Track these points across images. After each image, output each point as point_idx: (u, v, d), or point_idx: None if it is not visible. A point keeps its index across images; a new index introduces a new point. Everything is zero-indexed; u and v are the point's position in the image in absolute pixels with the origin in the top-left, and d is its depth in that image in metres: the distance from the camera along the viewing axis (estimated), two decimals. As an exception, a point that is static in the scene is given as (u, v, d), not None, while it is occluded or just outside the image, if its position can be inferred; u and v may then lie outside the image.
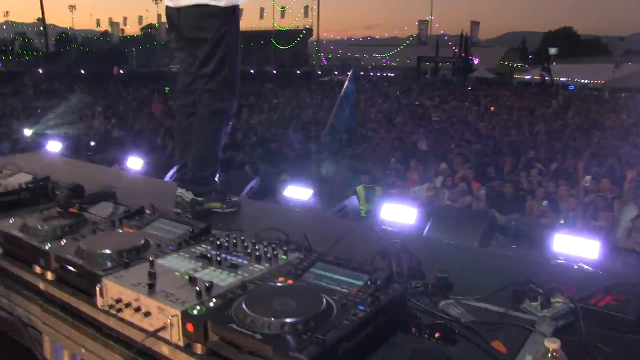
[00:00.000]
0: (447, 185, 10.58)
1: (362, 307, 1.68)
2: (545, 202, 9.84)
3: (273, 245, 2.24)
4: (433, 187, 10.74)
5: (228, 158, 12.86)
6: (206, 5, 3.28)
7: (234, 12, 3.40)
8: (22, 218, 2.66)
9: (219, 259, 2.14)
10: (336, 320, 1.62)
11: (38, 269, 2.37)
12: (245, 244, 2.27)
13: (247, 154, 12.80)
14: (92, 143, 12.88)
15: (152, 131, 15.12)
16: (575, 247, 6.65)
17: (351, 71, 16.11)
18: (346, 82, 15.74)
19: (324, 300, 1.70)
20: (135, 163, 10.86)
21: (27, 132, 14.61)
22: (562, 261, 6.68)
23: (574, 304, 1.89)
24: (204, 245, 2.31)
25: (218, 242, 2.31)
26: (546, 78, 58.81)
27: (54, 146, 13.16)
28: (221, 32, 3.33)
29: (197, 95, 3.48)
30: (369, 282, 1.84)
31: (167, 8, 3.48)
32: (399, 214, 7.55)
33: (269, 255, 2.16)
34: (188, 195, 3.45)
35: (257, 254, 2.16)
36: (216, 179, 3.63)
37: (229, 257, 2.16)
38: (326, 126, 15.20)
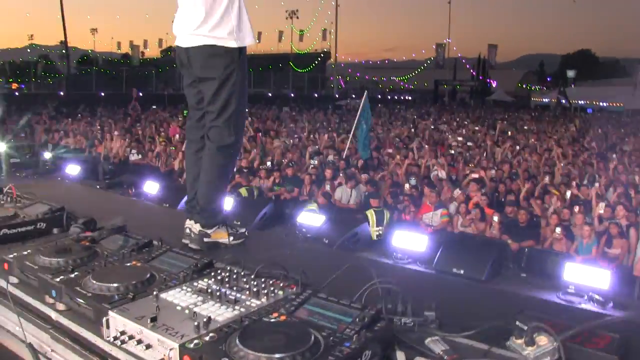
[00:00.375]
0: (461, 212, 10.63)
1: (347, 344, 1.78)
2: (558, 230, 9.82)
3: (271, 281, 2.34)
4: (447, 213, 10.79)
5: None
6: (214, 46, 3.41)
7: (241, 52, 3.52)
8: (37, 249, 2.78)
9: (219, 293, 2.24)
10: (322, 356, 1.72)
11: (50, 300, 2.49)
12: (245, 279, 2.38)
13: (263, 179, 12.91)
14: (110, 167, 13.04)
15: (169, 156, 15.30)
16: (586, 276, 6.69)
17: (365, 95, 16.15)
18: (360, 107, 15.82)
19: (312, 336, 1.79)
20: (151, 188, 11.01)
21: (47, 155, 14.83)
22: (572, 290, 6.73)
23: (558, 343, 1.93)
24: (206, 280, 2.41)
25: (219, 277, 2.41)
26: (562, 101, 58.63)
27: (72, 169, 13.37)
28: (228, 72, 3.45)
29: (205, 130, 3.61)
30: (356, 319, 1.93)
31: (177, 47, 3.62)
32: (410, 241, 7.63)
33: (266, 290, 2.25)
34: (196, 227, 3.57)
35: (255, 289, 2.26)
36: (223, 211, 3.75)
37: (228, 292, 2.26)
38: (342, 151, 15.31)
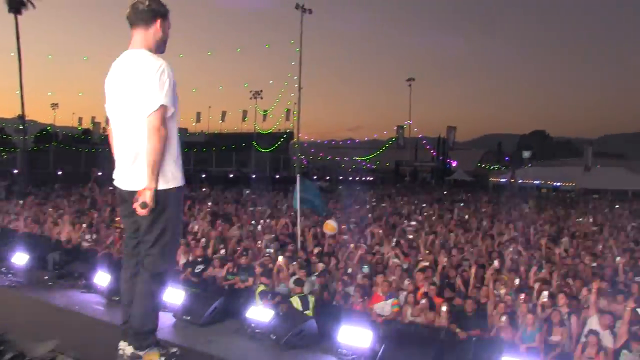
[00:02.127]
0: (410, 302, 10.83)
1: None
2: (504, 318, 10.08)
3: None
4: (397, 302, 10.98)
5: (198, 273, 13.09)
6: None
7: (175, 191, 3.82)
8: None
9: None
10: None
11: None
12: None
13: (217, 268, 12.97)
14: (60, 256, 12.88)
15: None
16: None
17: (298, 178, 16.14)
18: (297, 189, 15.84)
19: None
20: (102, 279, 10.98)
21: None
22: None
23: None
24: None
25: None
26: (511, 181, 60.64)
27: (19, 259, 13.14)
28: (163, 208, 3.74)
29: (140, 258, 3.87)
30: None
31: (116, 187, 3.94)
32: (354, 337, 7.79)
33: None
34: (129, 350, 3.78)
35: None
36: (156, 333, 3.94)
37: None
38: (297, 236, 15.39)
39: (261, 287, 11.04)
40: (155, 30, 3.91)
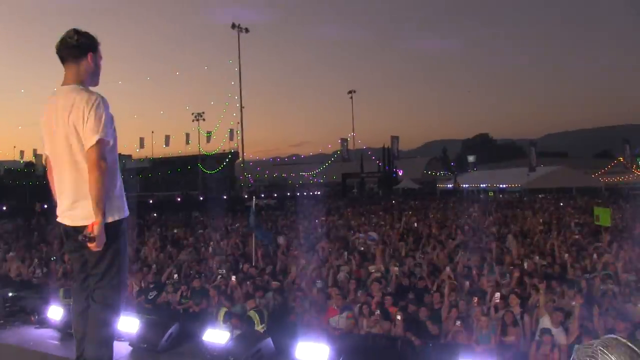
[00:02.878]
0: (364, 313, 10.91)
1: None
2: (458, 322, 10.24)
3: None
4: (352, 315, 11.05)
5: (151, 300, 12.94)
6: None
7: (120, 223, 3.82)
8: None
9: None
10: None
11: None
12: None
13: (171, 293, 12.85)
14: (9, 293, 12.52)
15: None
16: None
17: (252, 204, 16.07)
18: (251, 211, 15.78)
19: None
20: (55, 313, 10.72)
21: None
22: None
23: None
24: None
25: None
26: (456, 186, 61.94)
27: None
28: (110, 240, 3.72)
29: (89, 292, 3.84)
30: None
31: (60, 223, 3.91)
32: (311, 353, 7.80)
33: None
34: None
35: None
36: None
37: None
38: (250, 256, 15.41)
39: (224, 310, 10.98)
40: (87, 64, 3.89)
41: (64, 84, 3.89)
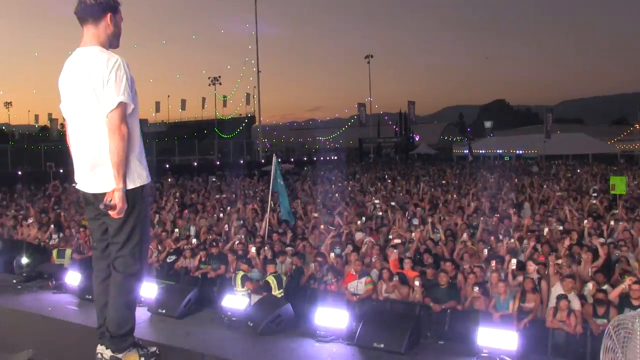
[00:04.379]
0: (384, 278, 10.90)
1: None
2: (476, 288, 10.21)
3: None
4: (371, 280, 11.05)
5: (169, 264, 13.01)
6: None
7: (141, 189, 3.75)
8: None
9: None
10: None
11: None
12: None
13: (189, 258, 12.91)
14: (26, 259, 12.59)
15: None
16: (496, 339, 7.03)
17: (274, 158, 16.14)
18: (272, 172, 15.80)
19: None
20: (73, 278, 10.80)
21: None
22: (486, 354, 7.06)
23: None
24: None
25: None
26: (466, 152, 61.60)
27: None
28: (131, 207, 3.66)
29: (111, 260, 3.79)
30: None
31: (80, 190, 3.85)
32: (331, 318, 7.83)
33: None
34: (107, 353, 3.73)
35: None
36: (134, 334, 3.89)
37: None
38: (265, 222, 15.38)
39: (241, 273, 11.04)
40: (105, 25, 3.75)
41: (82, 45, 3.79)
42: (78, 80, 3.68)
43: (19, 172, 38.86)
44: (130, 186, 3.65)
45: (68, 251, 13.76)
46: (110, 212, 3.55)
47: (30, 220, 17.17)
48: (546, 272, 10.78)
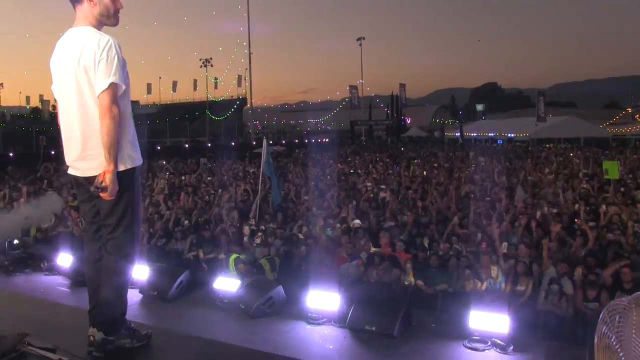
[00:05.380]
0: (373, 263, 10.91)
1: None
2: (468, 272, 10.25)
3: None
4: (362, 263, 11.06)
5: (160, 247, 12.96)
6: None
7: (133, 171, 3.72)
8: None
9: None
10: None
11: None
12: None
13: (180, 241, 12.87)
14: (17, 240, 12.50)
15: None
16: (488, 322, 7.05)
17: (264, 141, 16.16)
18: (263, 154, 15.82)
19: None
20: (65, 260, 10.76)
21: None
22: (477, 337, 7.08)
23: None
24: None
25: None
26: (457, 135, 61.83)
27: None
28: (122, 189, 3.63)
29: (102, 243, 3.77)
30: None
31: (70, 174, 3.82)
32: (323, 301, 7.83)
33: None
34: (99, 335, 3.71)
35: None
36: (125, 316, 3.88)
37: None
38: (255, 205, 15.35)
39: (234, 256, 11.03)
40: (92, 5, 3.71)
41: (74, 25, 3.74)
42: (69, 61, 3.64)
43: (11, 154, 38.65)
44: (121, 168, 3.62)
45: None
46: (102, 194, 3.52)
47: (22, 201, 17.10)
48: (538, 256, 10.81)
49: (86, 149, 3.64)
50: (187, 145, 53.91)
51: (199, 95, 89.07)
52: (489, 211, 14.79)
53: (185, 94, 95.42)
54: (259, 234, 12.52)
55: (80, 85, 3.60)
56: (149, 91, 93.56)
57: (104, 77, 3.51)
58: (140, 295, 9.07)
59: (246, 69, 69.33)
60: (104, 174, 3.49)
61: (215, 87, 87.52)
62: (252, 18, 62.75)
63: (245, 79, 75.97)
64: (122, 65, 3.62)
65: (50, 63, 3.81)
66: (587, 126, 60.93)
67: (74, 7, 3.71)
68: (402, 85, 77.07)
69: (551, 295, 9.25)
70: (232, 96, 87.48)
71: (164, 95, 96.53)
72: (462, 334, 7.22)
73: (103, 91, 3.50)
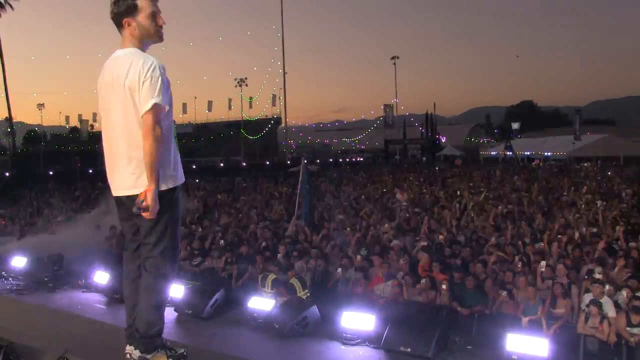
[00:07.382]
0: (408, 282, 10.82)
1: None
2: (504, 293, 10.08)
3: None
4: (397, 283, 10.98)
5: (196, 265, 13.04)
6: None
7: (174, 191, 3.76)
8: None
9: None
10: None
11: None
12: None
13: (216, 259, 12.92)
14: (55, 258, 12.68)
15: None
16: (527, 346, 6.93)
17: (303, 162, 16.28)
18: (300, 174, 15.93)
19: None
20: (102, 278, 10.92)
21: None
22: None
23: None
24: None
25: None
26: (509, 153, 60.51)
27: (19, 262, 13.07)
28: (163, 209, 3.66)
29: (142, 261, 3.80)
30: None
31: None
32: (358, 321, 7.79)
33: None
34: (136, 354, 3.75)
35: None
36: (162, 335, 3.90)
37: None
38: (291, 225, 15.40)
39: (272, 276, 11.01)
40: (131, 30, 3.79)
41: (121, 47, 3.83)
42: (115, 82, 3.71)
43: (50, 172, 39.44)
44: (162, 187, 3.65)
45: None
46: (143, 214, 3.55)
47: (59, 219, 17.42)
48: (577, 277, 10.60)
49: (129, 168, 3.69)
50: (222, 164, 54.30)
51: (234, 115, 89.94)
52: (526, 231, 14.58)
53: (220, 114, 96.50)
54: (294, 253, 12.51)
55: (125, 106, 3.66)
56: (184, 111, 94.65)
57: (148, 98, 3.56)
58: (175, 314, 9.12)
59: (281, 88, 69.88)
60: (146, 193, 3.53)
61: (250, 106, 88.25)
62: (287, 37, 63.44)
63: (279, 98, 76.54)
64: (167, 86, 3.68)
65: (97, 83, 3.90)
66: (627, 144, 59.79)
67: (119, 30, 3.80)
68: (436, 105, 76.84)
69: (591, 318, 9.01)
70: (266, 115, 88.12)
71: (199, 114, 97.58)
72: (499, 357, 7.11)
73: (146, 112, 3.56)
